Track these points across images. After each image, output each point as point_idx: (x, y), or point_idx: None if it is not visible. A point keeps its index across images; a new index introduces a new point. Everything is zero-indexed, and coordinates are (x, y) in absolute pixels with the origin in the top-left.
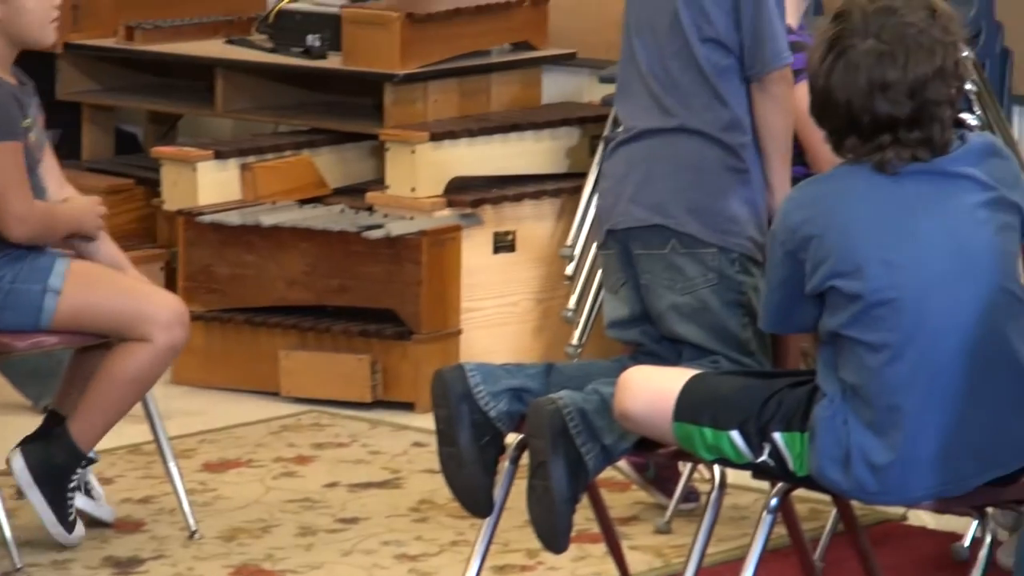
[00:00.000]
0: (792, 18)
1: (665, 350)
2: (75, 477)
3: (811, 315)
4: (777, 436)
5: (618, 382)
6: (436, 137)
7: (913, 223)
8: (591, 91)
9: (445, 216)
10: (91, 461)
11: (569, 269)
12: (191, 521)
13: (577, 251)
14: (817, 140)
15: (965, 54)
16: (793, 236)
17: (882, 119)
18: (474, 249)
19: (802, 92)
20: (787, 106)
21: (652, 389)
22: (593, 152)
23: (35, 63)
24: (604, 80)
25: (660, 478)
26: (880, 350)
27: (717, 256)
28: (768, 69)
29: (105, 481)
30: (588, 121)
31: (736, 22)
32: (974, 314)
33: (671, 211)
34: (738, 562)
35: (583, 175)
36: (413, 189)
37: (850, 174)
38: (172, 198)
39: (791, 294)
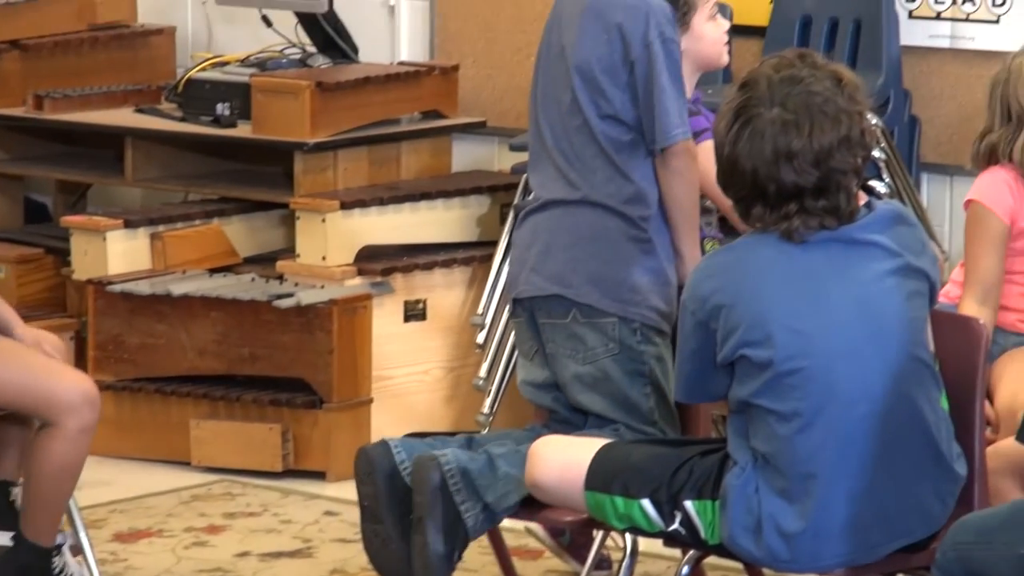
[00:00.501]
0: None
1: (576, 418)
2: (55, 566)
3: (723, 384)
4: (688, 504)
5: (529, 452)
6: (346, 206)
7: (822, 291)
8: (501, 159)
9: (356, 285)
10: (59, 547)
11: (480, 337)
12: None
13: (488, 319)
14: (728, 204)
15: (873, 122)
16: (703, 306)
17: (788, 188)
18: (385, 318)
19: (706, 152)
20: (690, 178)
21: (563, 459)
22: (503, 220)
23: None
24: (514, 148)
25: (575, 545)
26: (790, 419)
27: (618, 326)
28: (664, 144)
29: None
30: (498, 189)
31: (633, 98)
32: (883, 382)
33: (571, 281)
34: None
35: (493, 243)
36: (324, 258)
37: (758, 243)
38: (82, 267)
39: (703, 364)
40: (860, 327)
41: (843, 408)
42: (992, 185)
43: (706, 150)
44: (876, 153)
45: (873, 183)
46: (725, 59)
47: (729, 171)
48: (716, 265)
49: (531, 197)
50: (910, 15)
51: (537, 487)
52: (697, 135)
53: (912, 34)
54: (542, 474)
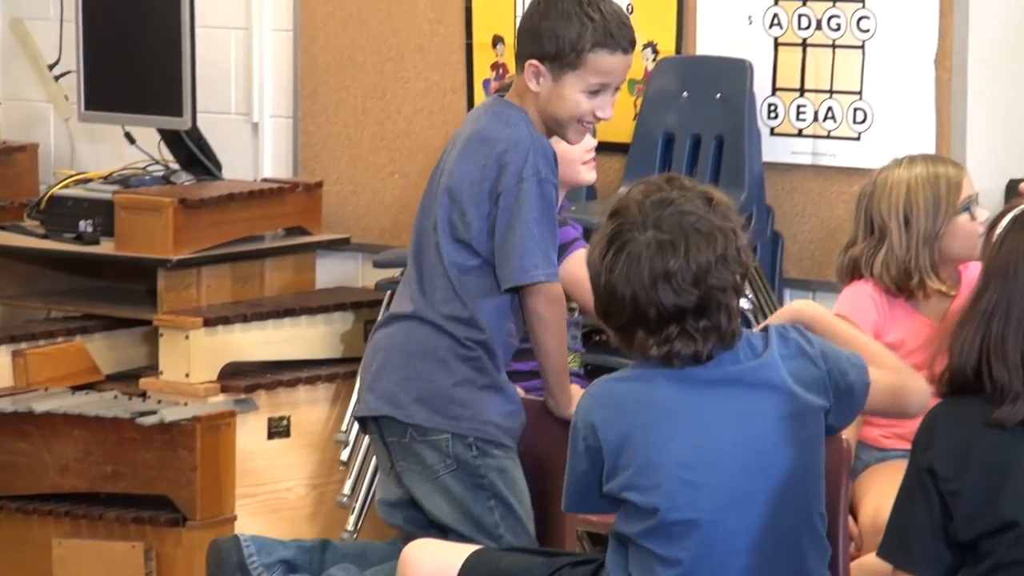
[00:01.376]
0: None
1: (433, 534)
2: None
3: (608, 508)
4: None
5: (401, 556)
6: (210, 323)
7: (717, 441)
8: (365, 276)
9: (219, 402)
10: None
11: (344, 454)
12: None
13: (352, 436)
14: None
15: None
16: (593, 433)
17: (668, 310)
18: (249, 435)
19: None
20: (549, 320)
21: (434, 564)
22: (367, 337)
23: None
24: (378, 265)
25: None
26: (673, 565)
27: (451, 442)
28: (519, 282)
29: None
30: (362, 306)
31: (490, 230)
32: (771, 534)
33: (400, 401)
34: None
35: (357, 360)
36: (187, 375)
37: (655, 381)
38: None
39: (590, 485)
40: (751, 479)
41: (726, 559)
42: (856, 299)
43: (577, 259)
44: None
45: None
46: (586, 176)
47: (607, 300)
48: (610, 395)
49: None
50: (772, 132)
51: None
52: (567, 246)
53: (774, 151)
54: None
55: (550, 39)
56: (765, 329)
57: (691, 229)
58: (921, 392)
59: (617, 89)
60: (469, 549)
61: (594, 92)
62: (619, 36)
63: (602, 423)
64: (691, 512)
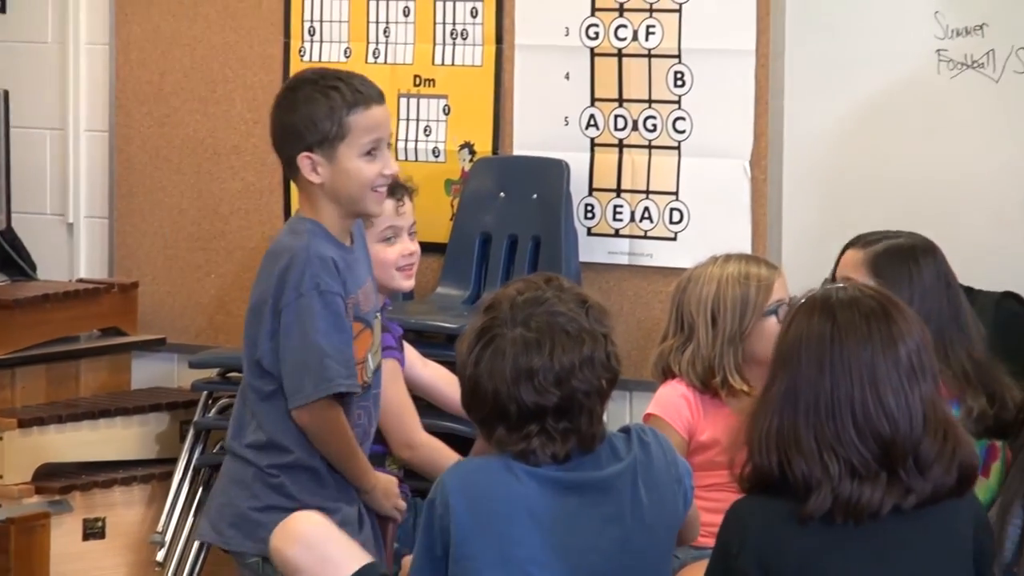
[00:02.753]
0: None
1: None
2: None
3: None
4: None
5: (287, 522)
6: (24, 423)
7: (570, 543)
8: (181, 376)
9: (34, 503)
10: None
11: (160, 555)
12: None
13: (168, 537)
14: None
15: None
16: (447, 512)
17: (529, 408)
18: (64, 536)
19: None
20: (314, 433)
21: (322, 552)
22: (183, 437)
23: None
24: (194, 365)
25: None
26: None
27: (261, 565)
28: (292, 404)
29: None
30: (178, 406)
31: (276, 348)
32: None
33: (219, 527)
34: None
35: (173, 460)
36: (1, 476)
37: (516, 473)
38: None
39: (434, 564)
40: None
41: None
42: (670, 399)
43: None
44: None
45: None
46: (401, 283)
47: (471, 392)
48: (470, 483)
49: None
50: (589, 232)
51: (285, 563)
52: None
53: (592, 251)
54: (295, 555)
55: (308, 126)
56: (626, 430)
57: (559, 330)
58: None
59: (388, 144)
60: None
61: (370, 152)
62: (367, 91)
63: (457, 507)
64: None
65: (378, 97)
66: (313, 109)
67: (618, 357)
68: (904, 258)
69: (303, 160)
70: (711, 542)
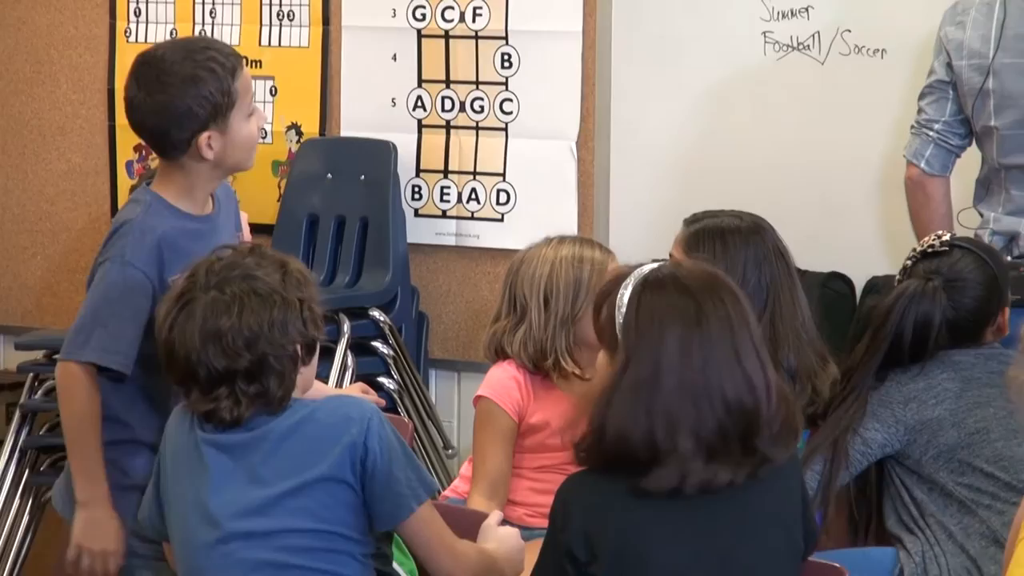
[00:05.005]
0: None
1: None
2: None
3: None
4: None
5: None
6: None
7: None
8: (8, 358)
9: None
10: None
11: None
12: None
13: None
14: None
15: (381, 319)
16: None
17: (218, 371)
18: None
19: None
20: (61, 394)
21: None
22: (9, 419)
23: None
24: (20, 347)
25: None
26: None
27: None
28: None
29: None
30: (4, 388)
31: None
32: None
33: (57, 498)
34: None
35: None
36: None
37: (187, 429)
38: None
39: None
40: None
41: None
42: (501, 381)
43: None
44: (384, 350)
45: (381, 380)
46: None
47: (167, 356)
48: (170, 435)
49: None
50: (417, 213)
51: None
52: None
53: (419, 232)
54: None
55: (201, 105)
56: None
57: (250, 292)
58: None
59: None
60: None
61: (250, 112)
62: (232, 51)
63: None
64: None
65: (236, 51)
66: (201, 87)
67: (318, 323)
68: (713, 238)
69: (202, 141)
70: (542, 523)
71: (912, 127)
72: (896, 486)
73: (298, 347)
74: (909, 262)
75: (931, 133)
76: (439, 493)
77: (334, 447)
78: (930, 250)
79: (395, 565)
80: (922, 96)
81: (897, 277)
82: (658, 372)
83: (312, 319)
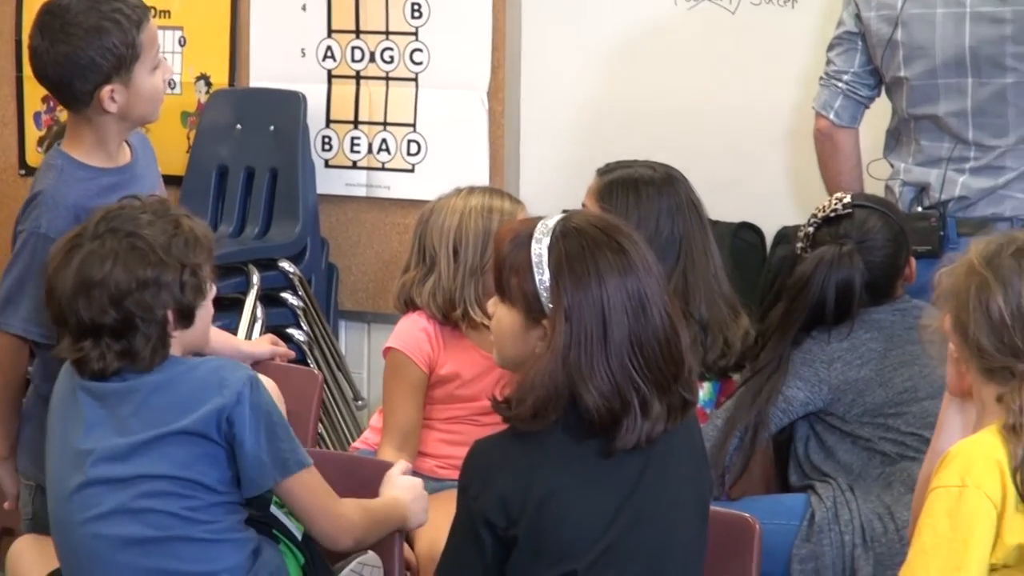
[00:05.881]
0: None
1: None
2: None
3: None
4: None
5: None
6: None
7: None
8: None
9: None
10: None
11: None
12: None
13: None
14: None
15: (290, 271)
16: None
17: (85, 322)
18: None
19: None
20: None
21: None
22: None
23: None
24: None
25: None
26: None
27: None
28: None
29: None
30: None
31: None
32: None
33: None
34: None
35: None
36: None
37: (71, 384)
38: None
39: None
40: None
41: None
42: (410, 332)
43: None
44: (294, 301)
45: (291, 331)
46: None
47: (48, 296)
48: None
49: None
50: (327, 164)
51: None
52: None
53: (329, 183)
54: None
55: (104, 56)
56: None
57: (129, 248)
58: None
59: None
60: None
61: (155, 64)
62: (139, 3)
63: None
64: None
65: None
66: (105, 38)
67: (201, 289)
68: (626, 188)
69: (104, 94)
70: (453, 475)
71: (821, 79)
72: (814, 438)
73: (169, 312)
74: (811, 228)
75: (840, 84)
76: (307, 466)
77: (202, 406)
78: (833, 215)
79: (273, 508)
80: (831, 47)
81: (799, 244)
82: (606, 324)
83: (194, 285)
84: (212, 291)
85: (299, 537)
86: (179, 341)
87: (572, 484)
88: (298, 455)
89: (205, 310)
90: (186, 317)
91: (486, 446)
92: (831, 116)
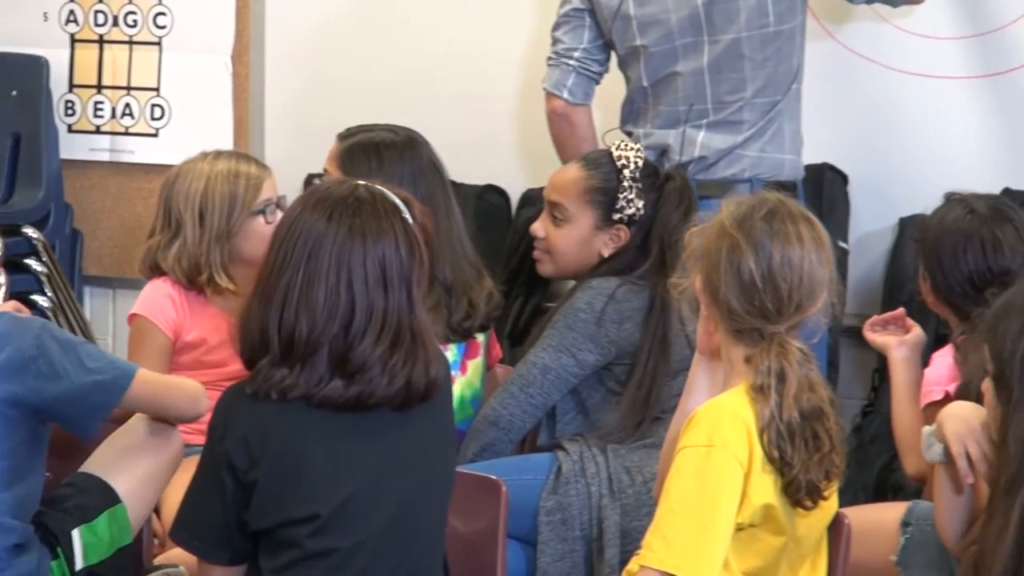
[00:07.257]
0: None
1: None
2: None
3: None
4: None
5: None
6: None
7: None
8: None
9: None
10: None
11: None
12: None
13: None
14: None
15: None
16: None
17: None
18: None
19: None
20: None
21: None
22: None
23: None
24: None
25: None
26: None
27: None
28: None
29: None
30: None
31: None
32: None
33: None
34: None
35: None
36: None
37: None
38: None
39: None
40: None
41: None
42: (155, 298)
43: None
44: (37, 267)
45: (36, 298)
46: None
47: None
48: None
49: None
50: (70, 129)
51: None
52: None
53: (73, 148)
54: None
55: None
56: None
57: None
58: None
59: None
60: None
61: None
62: None
63: None
64: None
65: None
66: None
67: None
68: (368, 152)
69: None
70: (202, 439)
71: (550, 59)
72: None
73: None
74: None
75: (571, 62)
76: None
77: None
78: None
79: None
80: (557, 27)
81: (625, 210)
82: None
83: None
84: None
85: (82, 566)
86: None
87: (314, 430)
88: (119, 366)
89: None
90: None
91: (235, 389)
92: (565, 95)
